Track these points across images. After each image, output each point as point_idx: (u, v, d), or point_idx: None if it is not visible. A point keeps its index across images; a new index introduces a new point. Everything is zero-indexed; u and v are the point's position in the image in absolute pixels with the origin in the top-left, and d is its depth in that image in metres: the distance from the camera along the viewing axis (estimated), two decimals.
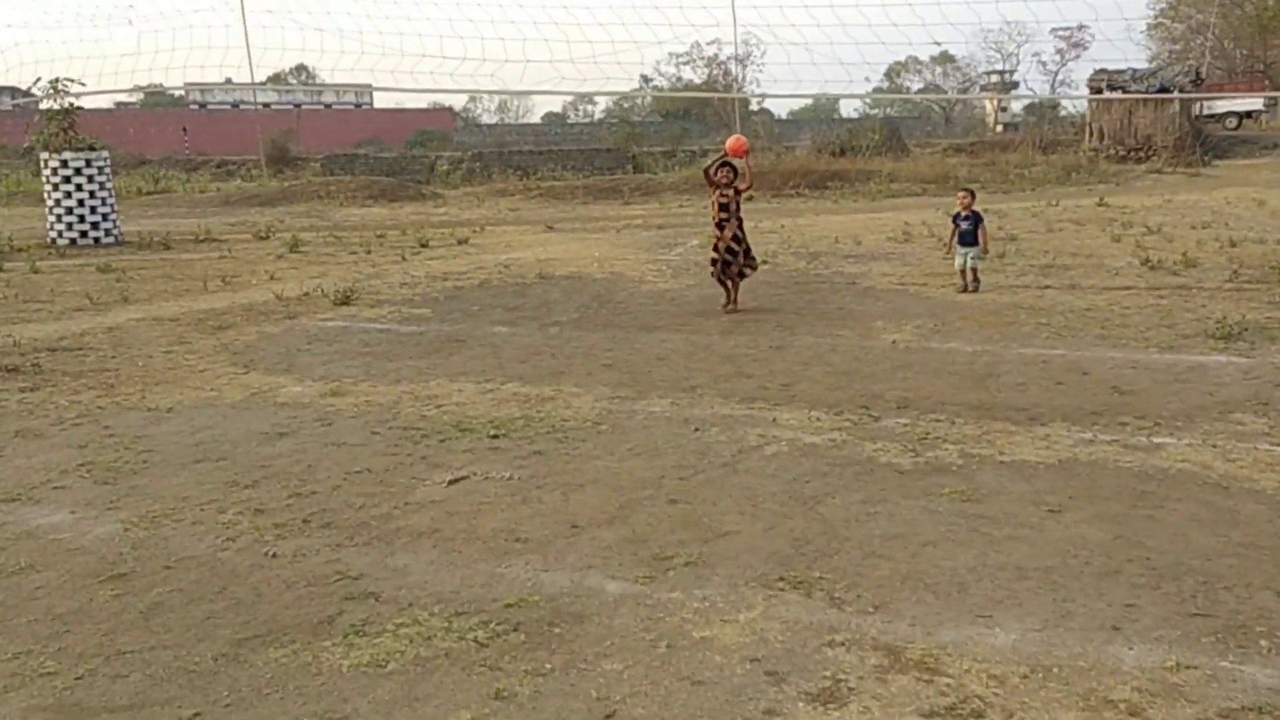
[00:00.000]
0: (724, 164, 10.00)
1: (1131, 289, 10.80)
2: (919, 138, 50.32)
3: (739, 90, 55.73)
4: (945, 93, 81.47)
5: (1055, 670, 3.16)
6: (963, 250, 10.77)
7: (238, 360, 8.15)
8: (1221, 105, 45.16)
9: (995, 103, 74.55)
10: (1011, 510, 4.57)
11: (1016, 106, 75.55)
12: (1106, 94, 37.68)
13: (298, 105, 71.36)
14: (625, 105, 75.76)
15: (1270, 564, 3.90)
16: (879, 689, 3.08)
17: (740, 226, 9.97)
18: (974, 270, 10.78)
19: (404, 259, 14.72)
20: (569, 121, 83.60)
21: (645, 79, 64.38)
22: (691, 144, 43.30)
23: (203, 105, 70.78)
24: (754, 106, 62.00)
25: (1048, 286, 11.11)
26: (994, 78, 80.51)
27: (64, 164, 17.31)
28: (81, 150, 17.39)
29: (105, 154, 17.86)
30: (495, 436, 5.83)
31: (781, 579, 3.89)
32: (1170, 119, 40.12)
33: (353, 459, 5.50)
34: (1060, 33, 73.02)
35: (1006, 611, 3.58)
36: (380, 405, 6.63)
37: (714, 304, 10.17)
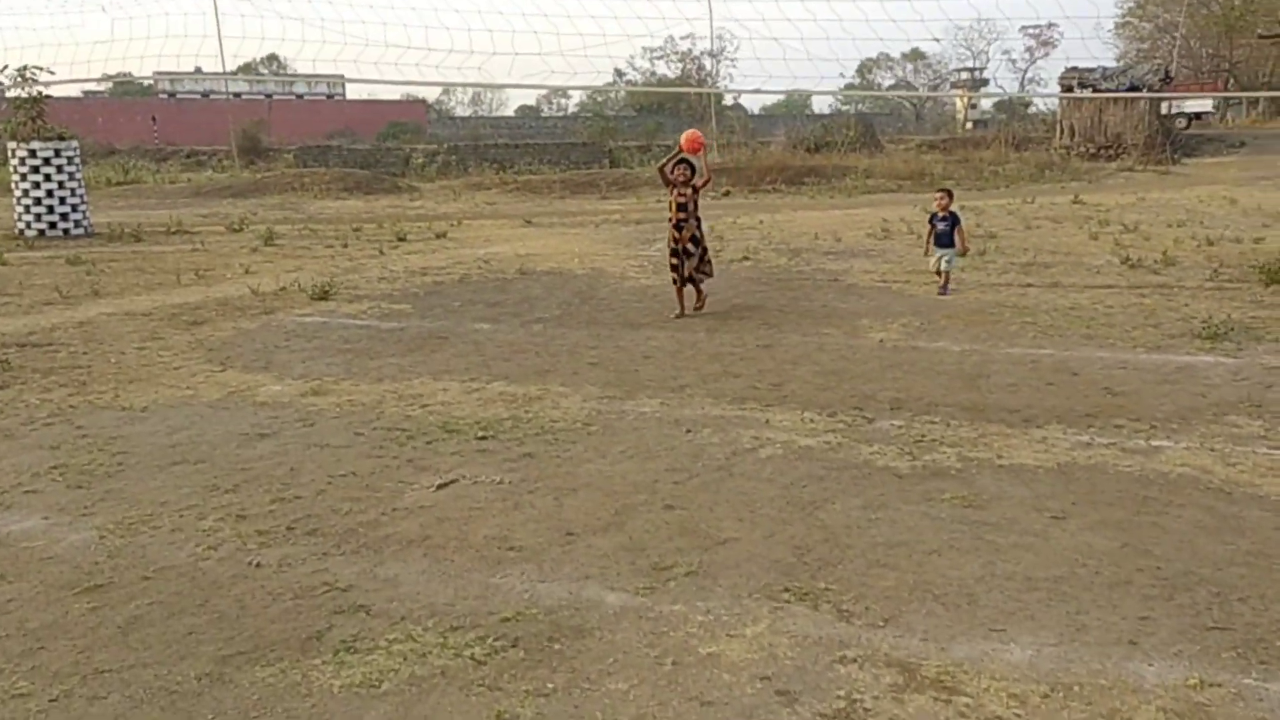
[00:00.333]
0: (680, 160, 9.41)
1: (1113, 288, 10.78)
2: (891, 134, 50.44)
3: (713, 85, 55.61)
4: (916, 90, 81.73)
5: (1076, 689, 3.06)
6: (939, 251, 10.57)
7: (214, 357, 7.95)
8: (1172, 106, 45.61)
9: (965, 100, 74.98)
10: (1014, 516, 4.48)
11: (986, 104, 76.05)
12: (1077, 92, 37.89)
13: (269, 95, 70.48)
14: (599, 100, 75.47)
15: None
16: (896, 710, 2.97)
17: (699, 228, 9.50)
18: (947, 273, 10.57)
19: (381, 253, 14.51)
20: (543, 115, 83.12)
21: (619, 73, 64.12)
22: (666, 138, 43.08)
23: (172, 95, 69.77)
24: (728, 101, 61.90)
25: (1030, 284, 11.07)
26: (964, 75, 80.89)
27: (32, 154, 16.93)
28: (50, 140, 17.02)
29: (75, 144, 17.49)
30: (483, 438, 5.68)
31: (786, 590, 3.77)
32: (1139, 117, 40.51)
33: (337, 461, 5.34)
34: (1030, 30, 73.60)
35: (1019, 625, 3.48)
36: (363, 405, 6.46)
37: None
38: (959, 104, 78.46)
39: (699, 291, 9.67)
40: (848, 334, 8.57)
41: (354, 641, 3.43)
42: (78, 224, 17.32)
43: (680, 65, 65.06)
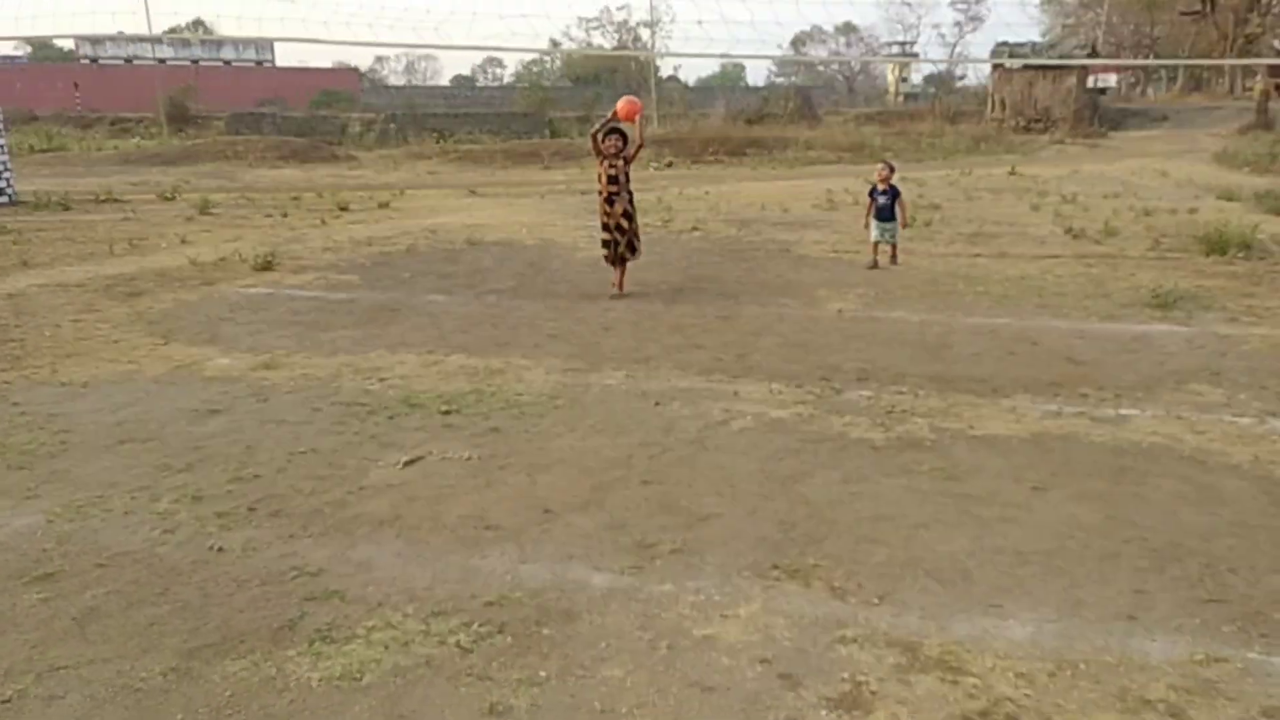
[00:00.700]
0: (612, 130, 8.75)
1: (1059, 257, 10.86)
2: (827, 106, 50.66)
3: (651, 53, 55.18)
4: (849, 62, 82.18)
5: (1082, 666, 3.00)
6: (879, 225, 10.32)
7: (155, 330, 7.62)
8: (1098, 80, 46.53)
9: (896, 72, 75.60)
10: (995, 488, 4.43)
11: (916, 77, 76.73)
12: (1008, 62, 38.38)
13: (195, 61, 68.45)
14: (535, 70, 74.59)
15: (1269, 544, 3.82)
16: (903, 692, 2.88)
17: (630, 202, 8.90)
18: (892, 246, 10.41)
19: (324, 223, 14.11)
20: (478, 85, 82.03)
21: (554, 43, 63.38)
22: (605, 108, 42.72)
23: (94, 60, 67.48)
24: (663, 73, 61.59)
25: (978, 255, 11.10)
26: (895, 48, 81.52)
27: None
28: None
29: None
30: (447, 412, 5.49)
31: (776, 567, 3.67)
32: (1068, 91, 41.28)
33: (295, 438, 5.11)
34: (958, 5, 74.38)
35: (1016, 600, 3.42)
36: (319, 379, 6.22)
37: (651, 273, 9.90)
38: (890, 77, 79.09)
39: (621, 272, 9.06)
40: (806, 304, 8.49)
41: (330, 630, 3.25)
42: (1, 191, 16.60)
43: (616, 35, 64.58)
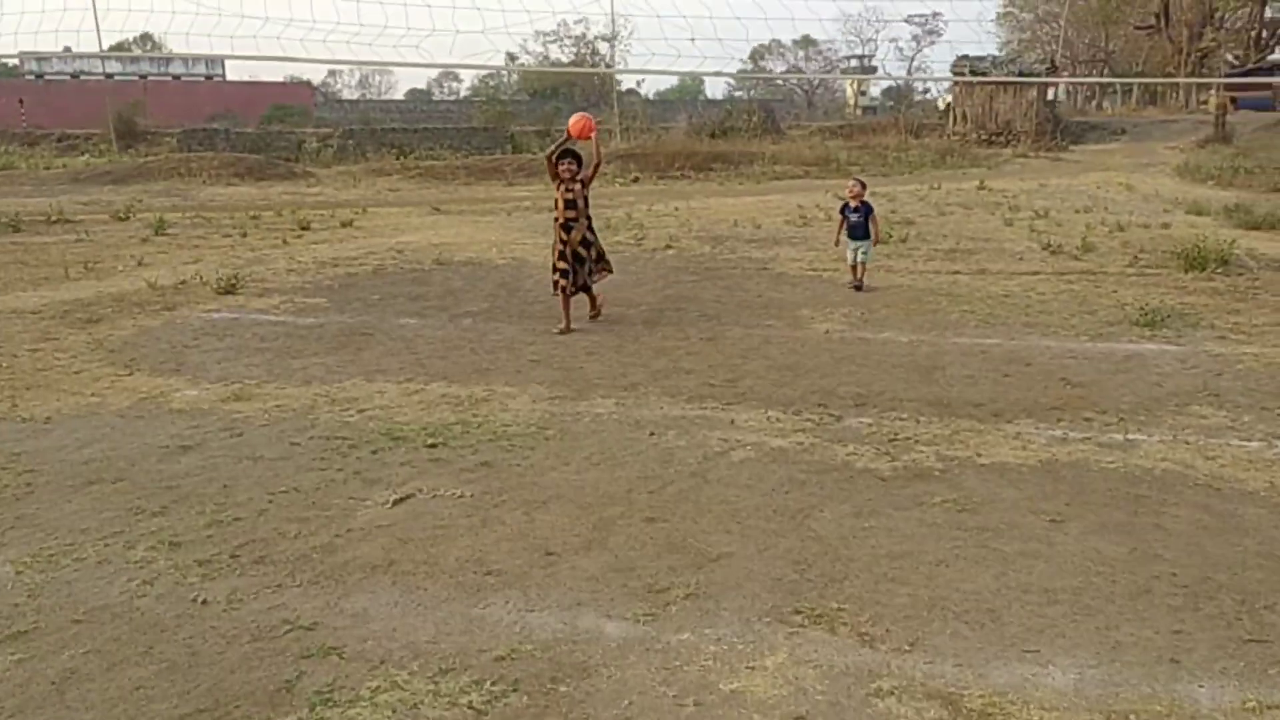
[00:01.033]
0: (565, 153, 8.22)
1: (1039, 274, 10.82)
2: (788, 120, 50.85)
3: (610, 68, 55.11)
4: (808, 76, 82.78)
5: (1132, 718, 2.85)
6: (853, 244, 10.08)
7: (117, 359, 7.30)
8: (1055, 95, 47.13)
9: (855, 86, 76.27)
10: (1012, 521, 4.28)
11: (875, 91, 77.47)
12: (969, 78, 38.72)
13: (143, 76, 67.38)
14: (491, 84, 74.25)
15: None
16: None
17: (589, 227, 8.32)
18: (862, 265, 10.11)
19: (285, 243, 13.76)
20: (434, 99, 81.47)
21: (512, 56, 63.08)
22: (564, 123, 42.53)
23: (39, 76, 66.22)
24: (623, 86, 61.53)
25: (958, 272, 11.04)
26: (853, 62, 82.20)
27: None
28: None
29: None
30: (433, 445, 5.26)
31: (797, 612, 3.49)
32: (1029, 105, 41.76)
33: (274, 476, 4.86)
34: (916, 19, 75.25)
35: (1052, 644, 3.26)
36: (294, 411, 5.96)
37: (628, 292, 9.71)
38: (849, 90, 79.76)
39: (593, 298, 8.51)
40: (790, 325, 8.35)
41: (331, 692, 3.02)
42: None
43: (574, 49, 64.42)
